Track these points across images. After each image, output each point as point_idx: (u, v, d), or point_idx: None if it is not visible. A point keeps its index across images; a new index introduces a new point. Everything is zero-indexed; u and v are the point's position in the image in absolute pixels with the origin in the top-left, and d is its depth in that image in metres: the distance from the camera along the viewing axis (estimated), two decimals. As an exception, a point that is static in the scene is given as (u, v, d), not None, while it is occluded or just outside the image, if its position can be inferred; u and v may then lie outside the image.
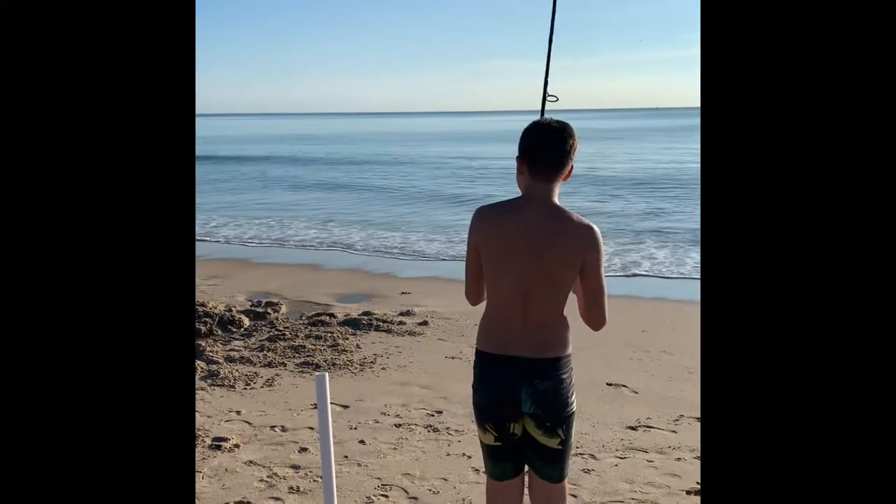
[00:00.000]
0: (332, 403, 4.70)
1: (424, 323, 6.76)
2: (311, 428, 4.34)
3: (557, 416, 2.32)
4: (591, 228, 2.25)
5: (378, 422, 4.48)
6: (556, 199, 2.29)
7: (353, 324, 6.64)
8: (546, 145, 2.25)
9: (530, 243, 2.24)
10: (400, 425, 4.42)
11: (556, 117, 2.34)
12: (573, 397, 2.36)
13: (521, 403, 2.31)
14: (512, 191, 2.39)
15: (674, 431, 4.35)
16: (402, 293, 8.10)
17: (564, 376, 2.33)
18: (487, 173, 26.09)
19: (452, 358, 5.79)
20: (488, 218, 2.33)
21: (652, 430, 4.38)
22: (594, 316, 2.31)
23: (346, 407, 4.72)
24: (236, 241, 12.46)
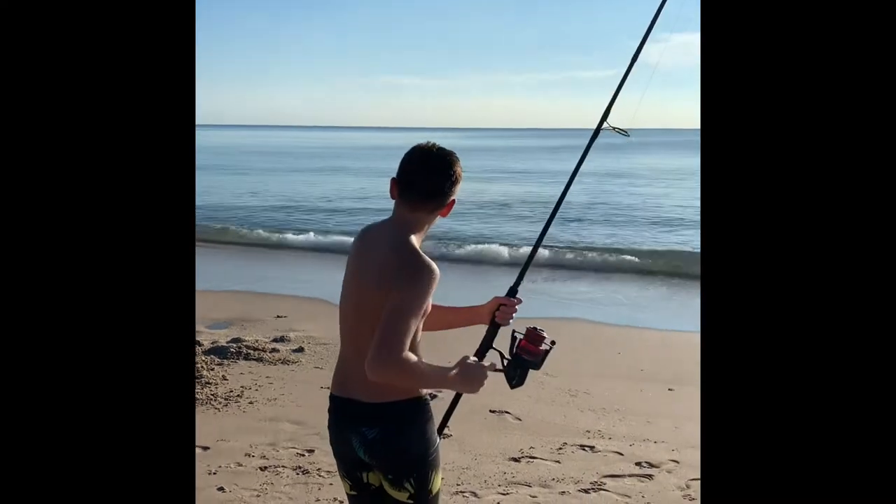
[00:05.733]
0: (189, 445, 4.24)
1: (300, 350, 6.34)
2: (164, 476, 3.86)
3: (398, 468, 2.06)
4: (417, 264, 1.95)
5: (241, 465, 4.05)
6: (417, 233, 2.06)
7: (220, 352, 6.13)
8: (421, 171, 2.05)
9: (362, 273, 2.05)
10: (266, 468, 4.01)
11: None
12: (423, 446, 2.07)
13: (357, 451, 2.09)
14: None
15: (557, 461, 4.19)
16: (278, 317, 7.63)
17: (401, 424, 2.05)
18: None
19: (328, 388, 5.41)
20: (355, 238, 2.18)
21: (535, 460, 4.20)
22: (368, 359, 1.86)
23: (205, 449, 4.25)
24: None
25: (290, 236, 14.51)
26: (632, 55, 2.49)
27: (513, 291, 2.35)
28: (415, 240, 2.04)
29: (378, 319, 1.94)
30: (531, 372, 2.19)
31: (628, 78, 2.48)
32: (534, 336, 2.16)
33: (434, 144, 2.10)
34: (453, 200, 2.09)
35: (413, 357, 1.90)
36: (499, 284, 2.38)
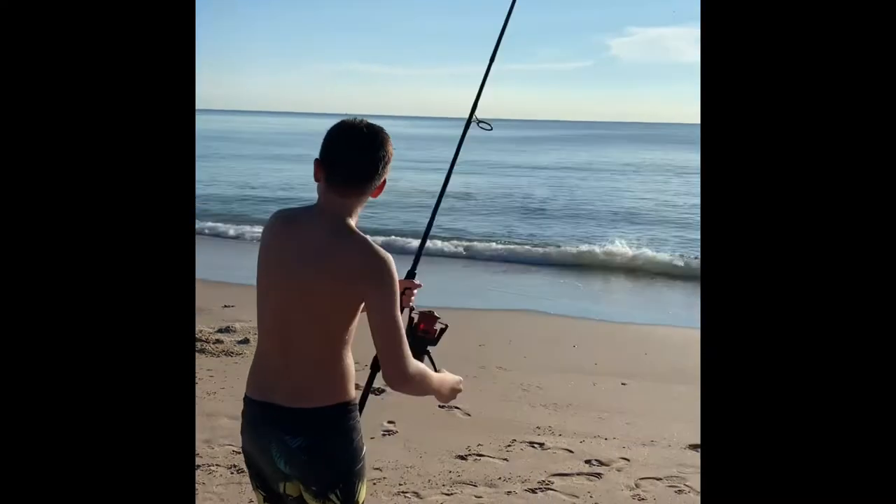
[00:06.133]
0: (118, 443, 4.01)
1: (245, 341, 6.11)
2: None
3: (323, 480, 1.88)
4: (379, 259, 1.81)
5: (172, 464, 3.83)
6: (352, 218, 1.89)
7: (161, 343, 5.87)
8: (349, 151, 1.85)
9: (299, 263, 1.84)
10: (199, 466, 3.80)
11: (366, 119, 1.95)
12: (350, 455, 1.90)
13: (275, 461, 1.90)
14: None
15: (505, 459, 4.05)
16: (225, 306, 7.38)
17: (328, 432, 1.88)
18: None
19: (272, 381, 5.20)
20: (273, 224, 1.94)
21: (483, 458, 4.06)
22: (385, 367, 1.80)
23: (135, 446, 4.02)
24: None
25: (246, 228, 14.14)
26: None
27: (411, 274, 2.31)
28: (355, 227, 1.88)
29: (323, 317, 1.82)
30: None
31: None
32: (428, 318, 2.16)
33: (361, 121, 1.89)
34: (385, 181, 1.92)
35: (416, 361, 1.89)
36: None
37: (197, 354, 5.71)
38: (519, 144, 54.80)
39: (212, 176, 23.57)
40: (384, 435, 4.30)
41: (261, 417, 1.91)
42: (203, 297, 7.80)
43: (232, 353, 5.81)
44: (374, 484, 3.66)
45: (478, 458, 4.06)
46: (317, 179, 1.89)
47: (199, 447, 4.03)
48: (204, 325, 6.50)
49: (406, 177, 22.42)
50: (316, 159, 1.88)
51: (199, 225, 13.86)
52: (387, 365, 1.80)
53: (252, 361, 1.99)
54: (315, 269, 1.81)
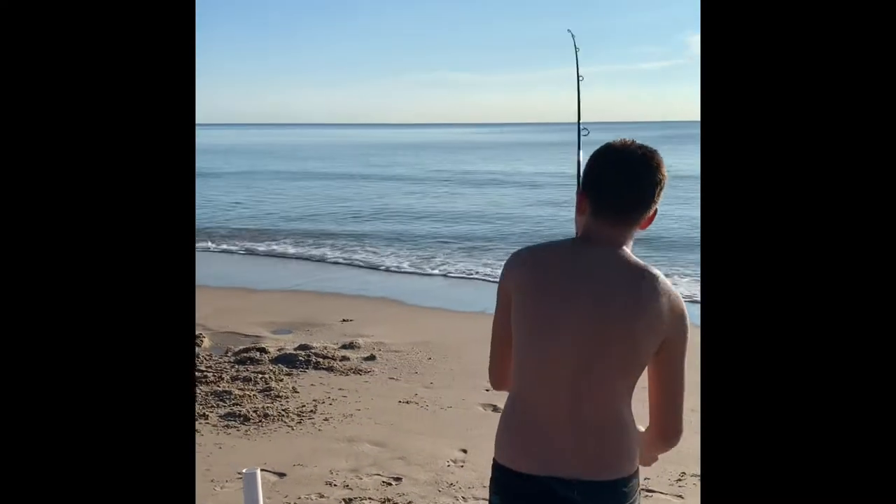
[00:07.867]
0: (265, 471, 3.84)
1: (371, 358, 5.91)
2: (239, 508, 3.45)
3: None
4: (681, 300, 1.59)
5: (323, 496, 3.62)
6: (629, 249, 1.63)
7: (287, 361, 5.74)
8: (621, 177, 1.59)
9: (598, 302, 1.55)
10: (351, 500, 3.57)
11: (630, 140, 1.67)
12: None
13: None
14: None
15: (679, 496, 3.66)
16: (343, 320, 7.23)
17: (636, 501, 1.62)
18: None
19: (407, 402, 4.97)
20: (531, 263, 1.63)
21: (653, 494, 3.67)
22: (669, 422, 1.61)
23: (282, 475, 3.83)
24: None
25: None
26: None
27: None
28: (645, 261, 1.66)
29: (626, 365, 1.55)
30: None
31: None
32: None
33: (632, 142, 1.62)
34: (656, 210, 1.63)
35: None
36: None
37: (325, 373, 5.55)
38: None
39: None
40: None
41: (552, 497, 1.56)
42: (319, 311, 7.72)
43: (360, 370, 5.61)
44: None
45: (647, 494, 3.68)
46: (580, 212, 1.65)
47: (347, 477, 3.81)
48: (327, 341, 6.35)
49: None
50: (580, 192, 1.65)
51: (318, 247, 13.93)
52: (673, 419, 1.62)
53: (507, 427, 1.65)
54: (628, 305, 1.54)
